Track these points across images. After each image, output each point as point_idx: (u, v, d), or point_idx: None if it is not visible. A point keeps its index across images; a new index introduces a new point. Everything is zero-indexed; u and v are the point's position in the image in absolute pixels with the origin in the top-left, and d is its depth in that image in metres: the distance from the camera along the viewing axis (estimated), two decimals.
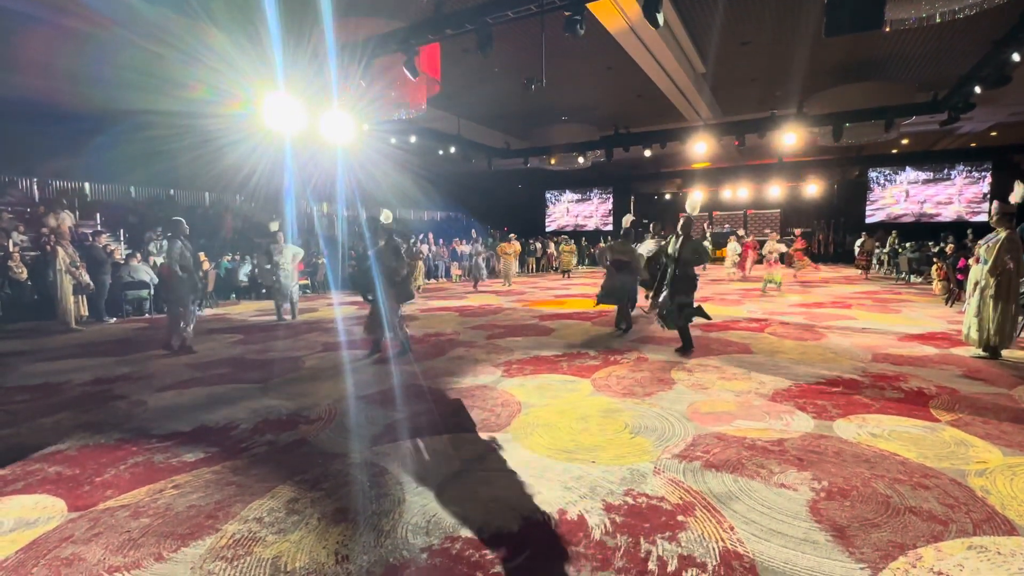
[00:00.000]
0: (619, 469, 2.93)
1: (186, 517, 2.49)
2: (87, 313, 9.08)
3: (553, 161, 18.42)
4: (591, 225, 29.03)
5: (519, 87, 11.56)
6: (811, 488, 2.68)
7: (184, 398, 4.43)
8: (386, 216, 6.35)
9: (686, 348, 5.95)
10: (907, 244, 15.89)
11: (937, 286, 10.81)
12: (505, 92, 14.43)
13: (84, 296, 8.90)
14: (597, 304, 7.49)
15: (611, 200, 28.89)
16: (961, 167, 22.11)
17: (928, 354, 5.65)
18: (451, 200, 25.31)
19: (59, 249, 8.19)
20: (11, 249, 9.64)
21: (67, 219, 11.24)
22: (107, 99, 12.13)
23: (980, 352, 5.48)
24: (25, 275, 9.33)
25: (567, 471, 2.91)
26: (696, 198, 6.20)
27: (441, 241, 19.76)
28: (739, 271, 16.25)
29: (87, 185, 15.08)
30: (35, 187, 13.96)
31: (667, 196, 29.86)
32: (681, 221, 6.05)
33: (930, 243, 15.57)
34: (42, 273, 9.08)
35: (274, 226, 9.84)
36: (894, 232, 17.51)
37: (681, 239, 5.95)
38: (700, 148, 15.65)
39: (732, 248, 16.52)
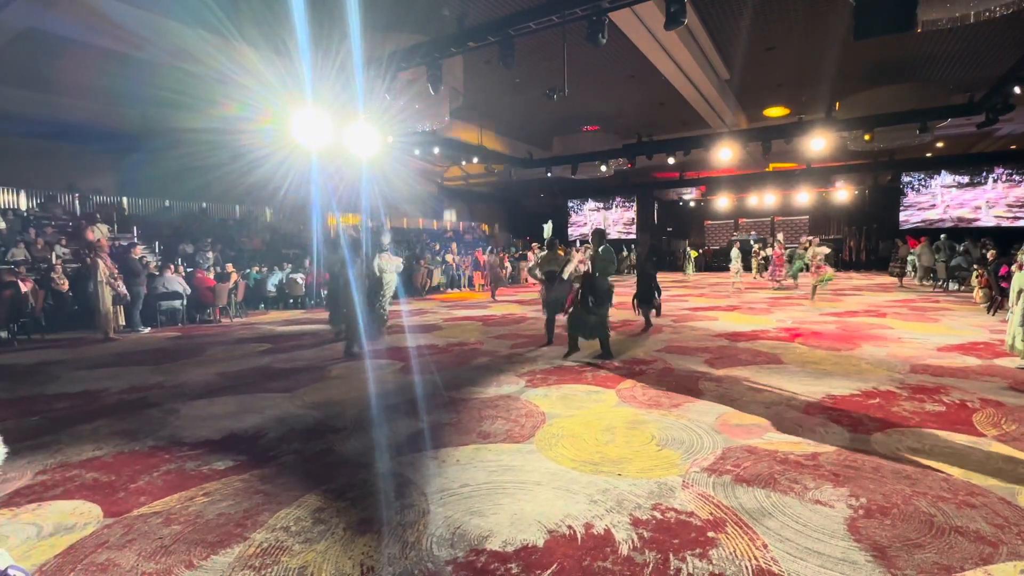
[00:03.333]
0: (646, 482, 2.87)
1: (216, 525, 2.52)
2: (123, 323, 9.39)
3: (574, 175, 18.40)
4: (613, 233, 28.88)
5: (541, 97, 11.61)
6: (848, 505, 2.57)
7: (214, 407, 4.52)
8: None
9: (606, 356, 6.00)
10: (960, 247, 14.82)
11: (978, 294, 10.38)
12: (527, 103, 14.53)
13: (121, 306, 9.21)
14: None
15: (633, 208, 28.72)
16: (1000, 170, 21.29)
17: (970, 365, 5.41)
18: (473, 210, 25.50)
19: (99, 261, 8.50)
20: (54, 261, 10.06)
21: (98, 232, 11.67)
22: (144, 118, 12.65)
23: None
24: (67, 286, 9.71)
25: (593, 484, 2.86)
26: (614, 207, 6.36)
27: (463, 250, 19.89)
28: (772, 281, 15.56)
29: (124, 200, 15.68)
30: (76, 202, 14.56)
31: (691, 204, 29.51)
32: (592, 231, 6.13)
33: (969, 245, 14.76)
34: (83, 284, 9.43)
35: (386, 239, 10.68)
36: (902, 240, 16.71)
37: (592, 248, 6.10)
38: (725, 155, 15.41)
39: (735, 255, 16.03)
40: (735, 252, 16.18)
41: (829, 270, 11.95)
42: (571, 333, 6.20)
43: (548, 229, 7.50)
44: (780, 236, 16.15)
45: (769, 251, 16.61)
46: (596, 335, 6.08)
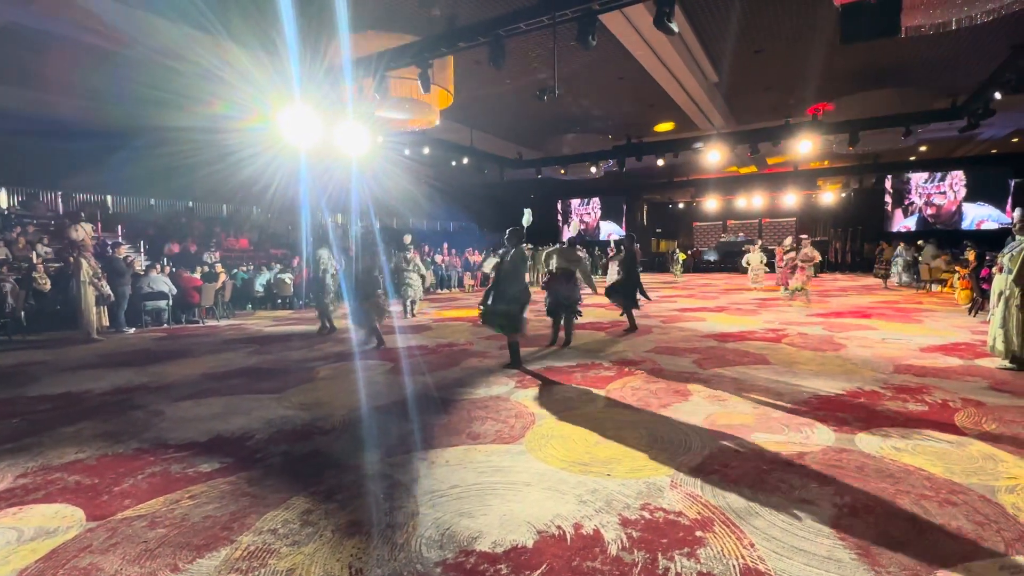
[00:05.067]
0: (635, 482, 2.88)
1: (202, 528, 2.50)
2: (107, 323, 9.25)
3: (564, 172, 18.45)
4: (602, 234, 29.04)
5: (531, 98, 11.64)
6: (834, 504, 2.61)
7: (200, 408, 4.47)
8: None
9: (513, 364, 5.76)
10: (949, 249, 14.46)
11: (960, 295, 10.58)
12: (517, 103, 14.55)
13: (105, 306, 9.07)
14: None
15: (624, 210, 28.93)
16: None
17: (952, 365, 5.51)
18: (464, 210, 25.47)
19: (82, 261, 8.37)
20: (35, 261, 9.88)
21: (81, 231, 11.51)
22: (129, 116, 12.46)
23: (1006, 364, 5.32)
24: (49, 286, 9.54)
25: (582, 484, 2.87)
26: (528, 212, 6.28)
27: (454, 251, 19.84)
28: (783, 284, 13.62)
29: (109, 198, 15.47)
30: (59, 200, 14.33)
31: (680, 205, 29.74)
32: (508, 232, 5.92)
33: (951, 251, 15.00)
34: (65, 284, 9.28)
35: (407, 238, 11.28)
36: (887, 242, 16.96)
37: (506, 249, 5.88)
38: (714, 157, 15.56)
39: (754, 258, 15.35)
40: (750, 256, 15.37)
41: (800, 277, 11.84)
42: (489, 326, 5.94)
43: (527, 216, 7.13)
44: (788, 240, 14.22)
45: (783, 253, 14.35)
46: (505, 332, 5.83)
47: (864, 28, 5.93)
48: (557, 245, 7.30)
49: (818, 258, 12.12)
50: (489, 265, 16.74)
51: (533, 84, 12.01)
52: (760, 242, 18.84)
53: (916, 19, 6.33)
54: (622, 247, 9.01)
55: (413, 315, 10.46)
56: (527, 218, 6.17)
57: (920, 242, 16.17)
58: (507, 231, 5.93)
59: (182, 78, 9.98)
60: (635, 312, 8.37)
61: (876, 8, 5.81)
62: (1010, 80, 9.91)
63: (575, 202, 30.34)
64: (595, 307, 11.18)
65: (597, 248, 25.23)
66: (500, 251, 6.13)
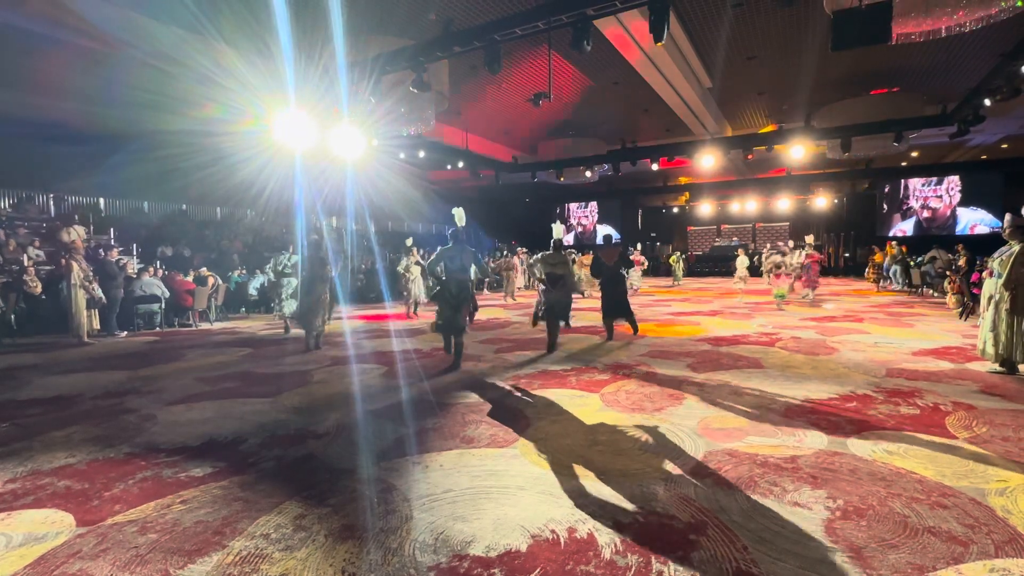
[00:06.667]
0: (628, 486, 2.88)
1: (193, 533, 2.48)
2: (99, 327, 9.17)
3: (562, 179, 18.48)
4: (598, 238, 29.12)
5: (526, 102, 11.69)
6: (826, 507, 2.62)
7: (193, 412, 4.44)
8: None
9: (456, 358, 6.06)
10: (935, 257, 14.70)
11: (951, 299, 10.67)
12: (513, 107, 14.59)
13: (96, 310, 9.00)
14: (535, 324, 7.29)
15: (620, 214, 29.04)
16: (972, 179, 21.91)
17: (943, 369, 5.55)
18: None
19: (74, 264, 8.30)
20: (26, 263, 9.79)
21: (74, 233, 11.42)
22: (121, 119, 12.40)
23: (996, 367, 5.37)
24: (39, 289, 9.46)
25: (576, 488, 2.87)
26: (460, 211, 6.21)
27: None
28: (804, 287, 12.90)
29: (101, 201, 15.35)
30: (51, 203, 14.21)
31: (674, 209, 29.85)
32: (450, 234, 6.08)
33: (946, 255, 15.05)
34: (56, 287, 9.20)
35: (408, 241, 11.45)
36: (890, 244, 17.18)
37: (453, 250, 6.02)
38: (707, 161, 15.64)
39: (741, 263, 15.21)
40: (742, 259, 15.12)
41: (784, 284, 11.85)
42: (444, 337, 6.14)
43: (557, 230, 7.39)
44: (810, 238, 13.26)
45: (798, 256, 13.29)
46: (448, 332, 5.97)
47: (854, 35, 6.00)
48: (544, 252, 7.34)
49: (796, 263, 12.16)
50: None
51: (528, 88, 12.06)
52: (756, 247, 18.93)
53: (907, 27, 6.42)
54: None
55: (413, 315, 10.80)
56: (458, 217, 6.18)
57: (896, 242, 16.36)
58: (449, 233, 6.10)
59: (175, 81, 9.94)
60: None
61: (867, 15, 5.88)
62: (999, 87, 10.03)
63: (573, 205, 30.44)
64: (588, 311, 11.20)
65: (591, 251, 25.25)
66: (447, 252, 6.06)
